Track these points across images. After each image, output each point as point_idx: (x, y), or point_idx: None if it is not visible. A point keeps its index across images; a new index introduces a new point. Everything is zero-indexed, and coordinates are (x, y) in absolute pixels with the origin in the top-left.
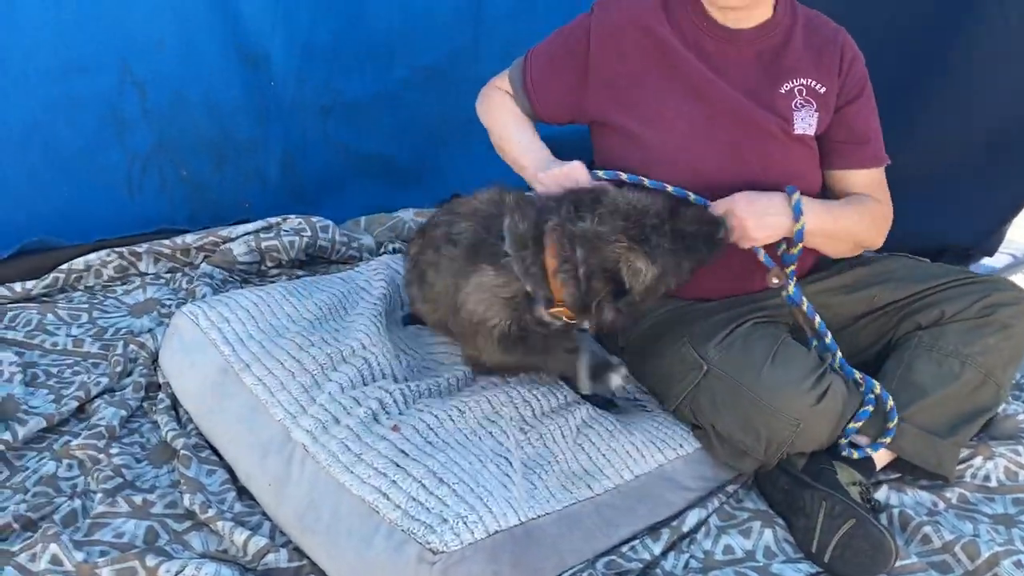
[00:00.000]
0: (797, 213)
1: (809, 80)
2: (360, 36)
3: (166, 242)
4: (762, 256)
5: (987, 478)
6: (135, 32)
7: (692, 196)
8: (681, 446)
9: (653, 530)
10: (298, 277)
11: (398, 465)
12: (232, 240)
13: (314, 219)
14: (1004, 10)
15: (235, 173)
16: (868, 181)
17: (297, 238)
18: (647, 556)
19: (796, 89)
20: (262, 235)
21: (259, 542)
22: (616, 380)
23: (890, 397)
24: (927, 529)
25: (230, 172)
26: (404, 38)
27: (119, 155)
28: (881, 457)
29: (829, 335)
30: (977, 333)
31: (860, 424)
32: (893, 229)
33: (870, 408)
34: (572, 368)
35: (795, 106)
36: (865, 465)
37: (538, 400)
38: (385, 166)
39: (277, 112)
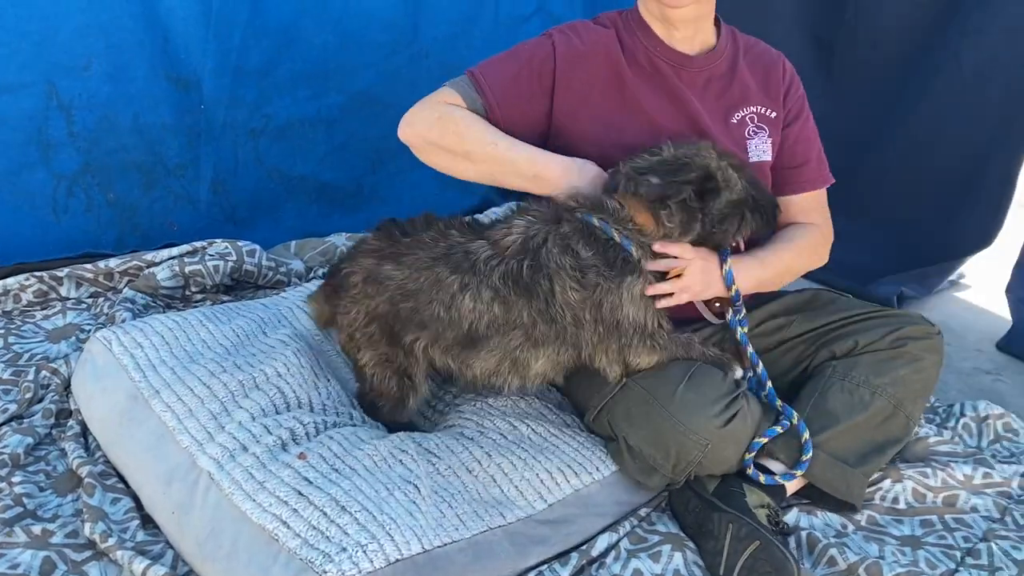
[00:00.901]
0: (729, 282)
1: (759, 107)
2: (293, 59)
3: (88, 266)
4: (705, 312)
5: (896, 500)
6: (62, 53)
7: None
8: (598, 469)
9: (562, 555)
10: (223, 302)
11: (300, 493)
12: (156, 264)
13: (240, 243)
14: (960, 63)
15: (164, 195)
16: (808, 204)
17: (222, 262)
18: None
19: (748, 117)
20: (186, 259)
21: (158, 571)
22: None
23: (806, 430)
24: (833, 551)
25: (159, 194)
26: (339, 62)
27: (44, 177)
28: (792, 483)
29: (760, 365)
30: (888, 365)
31: (765, 441)
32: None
33: (779, 429)
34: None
35: (748, 134)
36: (775, 490)
37: (441, 435)
38: (318, 190)
39: (208, 135)
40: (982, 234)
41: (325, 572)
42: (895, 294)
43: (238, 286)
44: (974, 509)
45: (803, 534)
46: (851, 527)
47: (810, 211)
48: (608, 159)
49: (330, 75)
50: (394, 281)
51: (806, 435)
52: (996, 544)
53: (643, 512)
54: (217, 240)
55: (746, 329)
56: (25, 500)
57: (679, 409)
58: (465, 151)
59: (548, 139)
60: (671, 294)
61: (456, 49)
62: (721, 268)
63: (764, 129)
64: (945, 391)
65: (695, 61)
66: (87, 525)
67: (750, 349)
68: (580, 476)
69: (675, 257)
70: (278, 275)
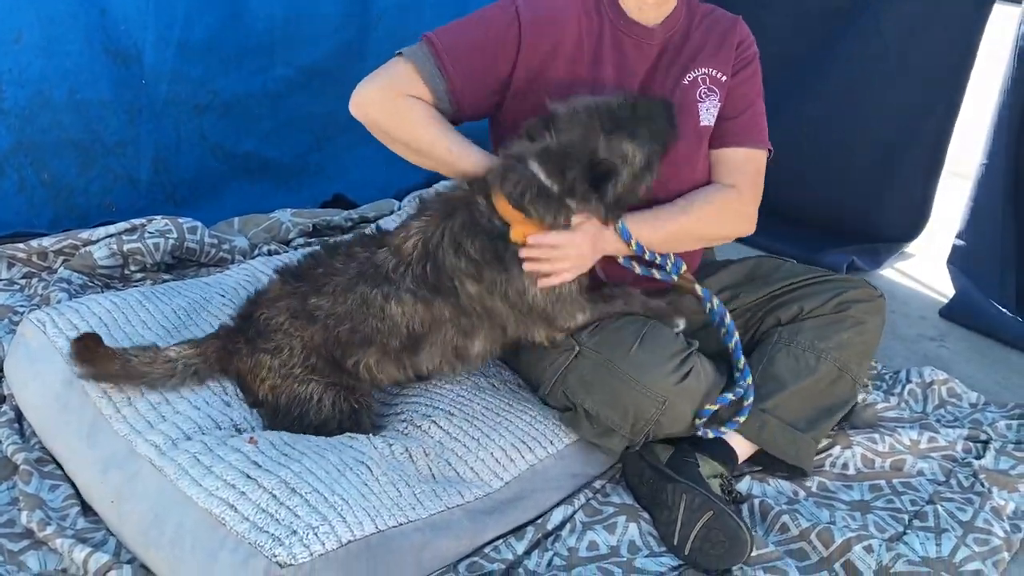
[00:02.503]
0: (626, 238)
1: (710, 69)
2: (239, 33)
3: (21, 245)
4: (637, 269)
5: (845, 466)
6: None
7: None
8: (551, 443)
9: (517, 529)
10: (164, 281)
11: (249, 476)
12: (93, 243)
13: (181, 220)
14: (881, 31)
15: (102, 175)
16: (734, 162)
17: (162, 240)
18: (510, 556)
19: (700, 78)
20: (124, 237)
21: (100, 559)
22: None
23: (750, 375)
24: (785, 518)
25: (97, 174)
26: (286, 35)
27: None
28: (744, 450)
29: (715, 300)
30: (832, 328)
31: (717, 408)
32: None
33: (730, 396)
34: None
35: (699, 96)
36: (727, 458)
37: (398, 417)
38: (263, 166)
39: (149, 111)
40: (919, 206)
41: (275, 556)
42: (845, 263)
43: (179, 264)
44: (920, 473)
45: (755, 502)
46: (803, 494)
47: (734, 170)
48: None
49: (276, 49)
50: (323, 310)
51: (748, 380)
52: (942, 506)
53: (597, 484)
54: (157, 217)
55: (684, 271)
56: None
57: (634, 368)
58: (417, 149)
59: (503, 105)
60: (550, 274)
61: (408, 19)
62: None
63: (715, 92)
64: (891, 358)
65: (655, 32)
66: (24, 513)
67: (699, 288)
68: (535, 451)
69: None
70: (221, 252)
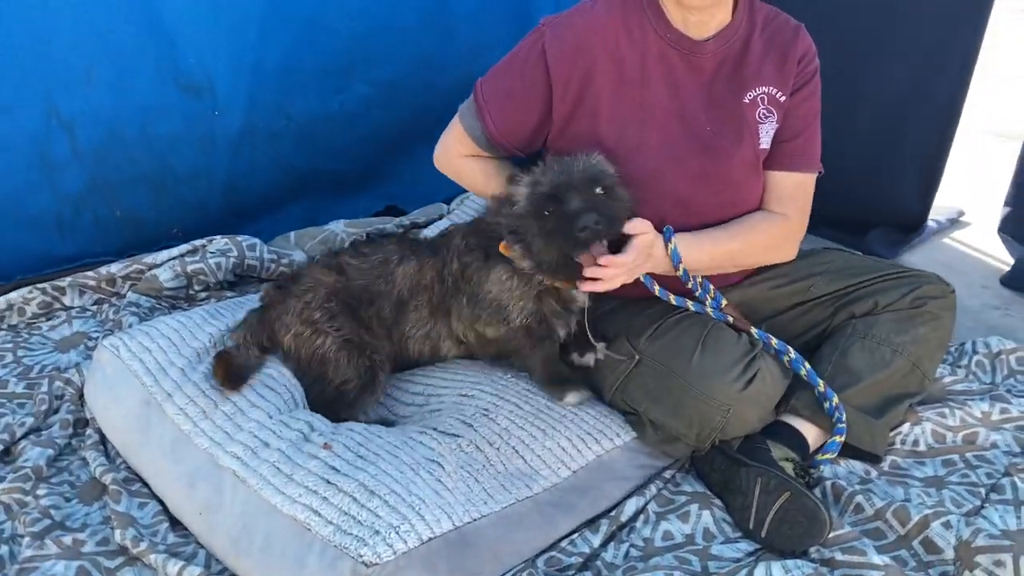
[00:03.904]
0: (676, 261)
1: (771, 88)
2: (316, 53)
3: (90, 273)
4: (655, 289)
5: (916, 443)
6: (59, 66)
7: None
8: (618, 435)
9: (592, 522)
10: (227, 299)
11: (329, 482)
12: (157, 266)
13: (240, 238)
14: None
15: (174, 206)
16: (785, 188)
17: (224, 259)
18: (586, 549)
19: (759, 98)
20: (187, 259)
21: (193, 571)
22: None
23: (835, 396)
24: (859, 498)
25: (169, 205)
26: (366, 51)
27: (48, 200)
28: (814, 437)
29: (774, 340)
30: (909, 324)
31: (828, 455)
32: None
33: (838, 439)
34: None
35: (759, 117)
36: (798, 443)
37: (460, 409)
38: (324, 179)
39: (223, 141)
40: (926, 182)
41: (361, 556)
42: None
43: (241, 281)
44: (994, 445)
45: (827, 484)
46: (874, 473)
47: (785, 197)
48: (613, 154)
49: (355, 66)
50: (352, 266)
51: (835, 400)
52: (1019, 478)
53: (668, 474)
54: (216, 237)
55: (725, 304)
56: (52, 512)
57: (696, 378)
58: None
59: (556, 134)
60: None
61: (484, 22)
62: (666, 247)
63: (773, 113)
64: (955, 330)
65: (706, 47)
66: (117, 532)
67: (754, 330)
68: (601, 443)
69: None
70: (281, 267)
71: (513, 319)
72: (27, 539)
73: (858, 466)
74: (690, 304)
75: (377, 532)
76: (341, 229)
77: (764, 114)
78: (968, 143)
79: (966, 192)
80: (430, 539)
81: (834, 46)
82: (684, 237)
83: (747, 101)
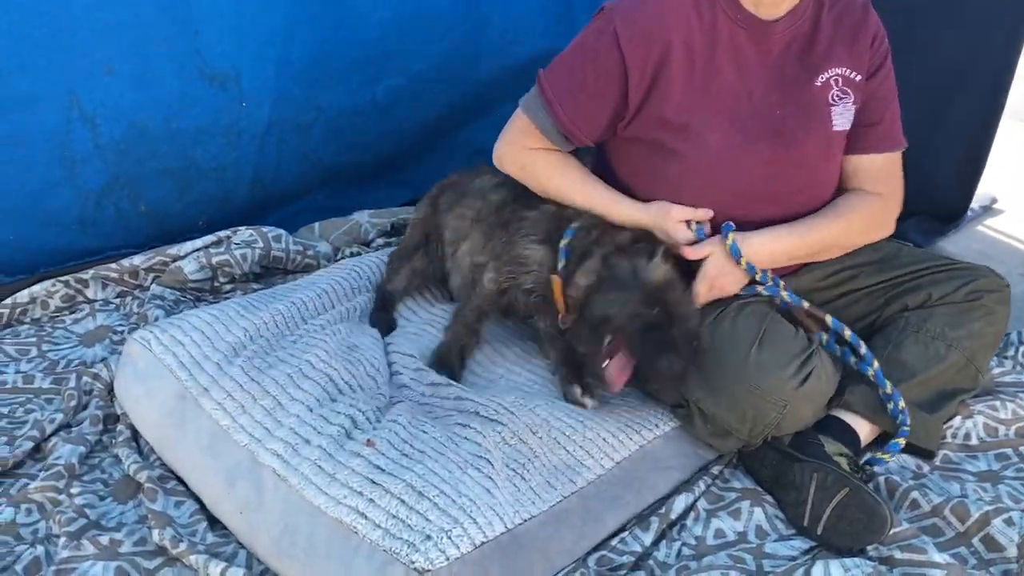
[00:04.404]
0: (736, 255)
1: (844, 69)
2: (346, 44)
3: (113, 266)
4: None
5: (968, 436)
6: (80, 58)
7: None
8: (657, 426)
9: (641, 519)
10: (253, 291)
11: (374, 482)
12: (181, 258)
13: (265, 229)
14: None
15: (199, 199)
16: (876, 169)
17: (249, 250)
18: (638, 548)
19: (832, 80)
20: (212, 250)
21: (236, 573)
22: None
23: (900, 398)
24: (915, 494)
25: (194, 199)
26: (398, 42)
27: (70, 195)
28: (866, 432)
29: (847, 330)
30: (964, 317)
31: (887, 456)
32: None
33: (901, 441)
34: None
35: (832, 99)
36: (850, 438)
37: (498, 399)
38: (349, 171)
39: (249, 134)
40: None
41: (413, 562)
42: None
43: (267, 273)
44: None
45: (880, 479)
46: (926, 468)
47: (877, 178)
48: (683, 139)
49: (388, 56)
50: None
51: (901, 403)
52: None
53: (715, 470)
54: (241, 228)
55: (784, 295)
56: (87, 511)
57: (753, 372)
58: (548, 195)
59: (626, 121)
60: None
61: (518, 11)
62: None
63: (848, 94)
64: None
65: (776, 27)
66: (155, 532)
67: (829, 317)
68: (641, 432)
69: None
70: (307, 259)
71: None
72: (63, 539)
73: (910, 461)
74: (761, 288)
75: (428, 537)
76: (366, 220)
77: (837, 96)
78: (1000, 128)
79: (998, 178)
80: (482, 543)
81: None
82: (778, 229)
83: (819, 84)
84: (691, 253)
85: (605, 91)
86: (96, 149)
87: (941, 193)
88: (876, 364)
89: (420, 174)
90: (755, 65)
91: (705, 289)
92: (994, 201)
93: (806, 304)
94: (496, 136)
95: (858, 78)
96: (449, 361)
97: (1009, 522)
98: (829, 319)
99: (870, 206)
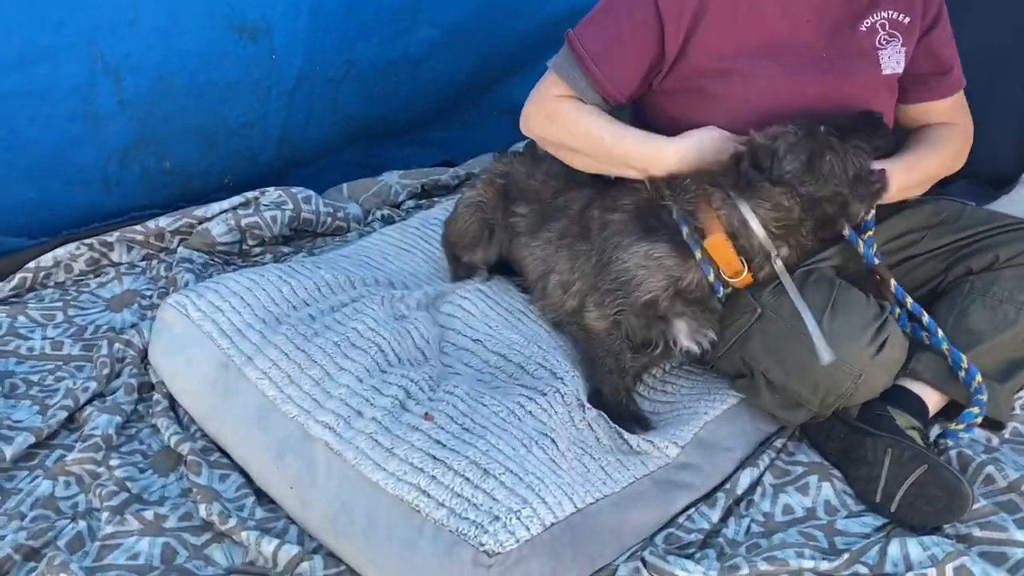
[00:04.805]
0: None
1: (891, 12)
2: None
3: (138, 228)
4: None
5: None
6: (103, 4)
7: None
8: (707, 413)
9: (707, 496)
10: (283, 254)
11: (435, 458)
12: (208, 220)
13: (294, 190)
14: None
15: (225, 157)
16: (950, 107)
17: (279, 212)
18: (706, 525)
19: (879, 24)
20: (240, 211)
21: (290, 551)
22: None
23: (978, 374)
24: (989, 469)
25: (219, 156)
26: None
27: (93, 152)
28: (935, 402)
29: (909, 299)
30: None
31: (962, 426)
32: None
33: (976, 410)
34: None
35: (879, 43)
36: (919, 410)
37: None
38: (381, 129)
39: (279, 89)
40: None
41: (482, 544)
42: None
43: (297, 236)
44: None
45: (952, 453)
46: (996, 441)
47: (956, 113)
48: (727, 86)
49: (421, 6)
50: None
51: (978, 378)
52: None
53: (779, 443)
54: (269, 189)
55: (874, 249)
56: (128, 484)
57: (827, 340)
58: (576, 147)
59: (663, 75)
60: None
61: None
62: None
63: (897, 37)
64: None
65: None
66: (202, 506)
67: (893, 282)
68: (699, 416)
69: None
70: (337, 221)
71: (639, 297)
72: (106, 514)
73: (980, 434)
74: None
75: (496, 517)
76: (395, 181)
77: (885, 40)
78: None
79: None
80: (552, 524)
81: None
82: (892, 160)
83: (864, 29)
84: None
85: (642, 43)
86: (120, 104)
87: (994, 158)
88: (940, 333)
89: (451, 135)
90: (800, 9)
91: None
92: None
93: (878, 262)
94: None
95: (907, 20)
96: (624, 418)
97: None
98: (893, 283)
99: (954, 137)
